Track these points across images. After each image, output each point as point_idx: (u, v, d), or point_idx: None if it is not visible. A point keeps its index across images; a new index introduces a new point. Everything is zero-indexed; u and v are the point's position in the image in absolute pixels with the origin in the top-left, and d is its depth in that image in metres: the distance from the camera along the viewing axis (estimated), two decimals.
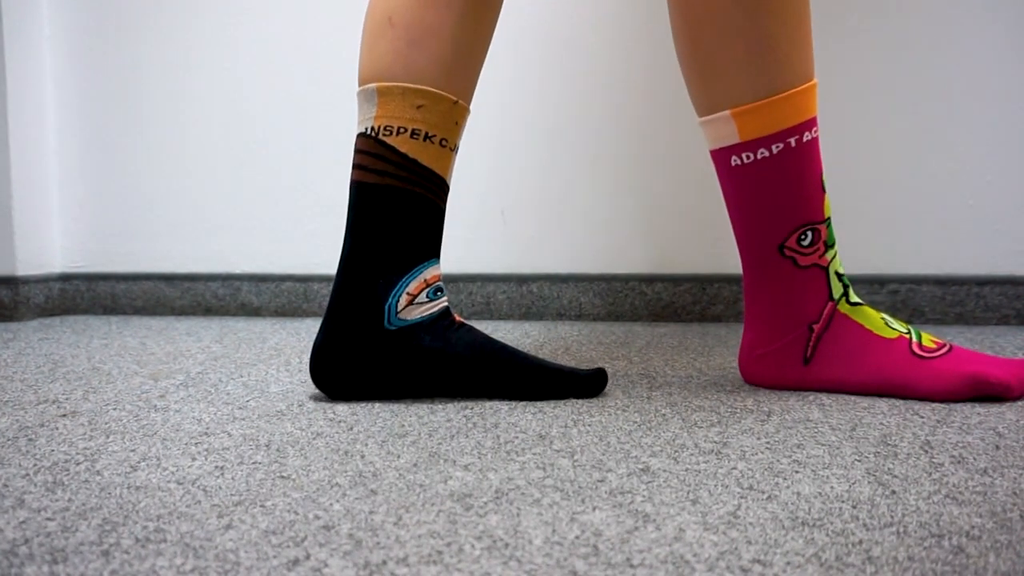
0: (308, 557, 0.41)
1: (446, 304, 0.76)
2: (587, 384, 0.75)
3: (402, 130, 0.72)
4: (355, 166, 0.75)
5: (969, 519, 0.45)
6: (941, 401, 0.72)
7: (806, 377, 0.77)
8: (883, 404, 0.72)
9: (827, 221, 0.76)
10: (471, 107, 0.78)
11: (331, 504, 0.49)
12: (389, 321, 0.73)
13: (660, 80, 1.28)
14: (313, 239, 1.39)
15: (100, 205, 1.45)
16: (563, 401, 0.74)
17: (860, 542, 0.42)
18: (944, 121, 1.23)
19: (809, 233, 0.75)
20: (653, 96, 1.28)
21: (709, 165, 1.30)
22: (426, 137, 0.73)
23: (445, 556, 0.41)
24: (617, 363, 0.93)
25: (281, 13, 1.37)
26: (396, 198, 0.73)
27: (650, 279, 1.30)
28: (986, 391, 0.71)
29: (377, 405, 0.73)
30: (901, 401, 0.73)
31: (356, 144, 0.75)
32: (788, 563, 0.40)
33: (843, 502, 0.48)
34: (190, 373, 0.89)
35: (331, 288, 0.76)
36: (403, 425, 0.67)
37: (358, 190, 0.74)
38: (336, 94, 1.36)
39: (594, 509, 0.47)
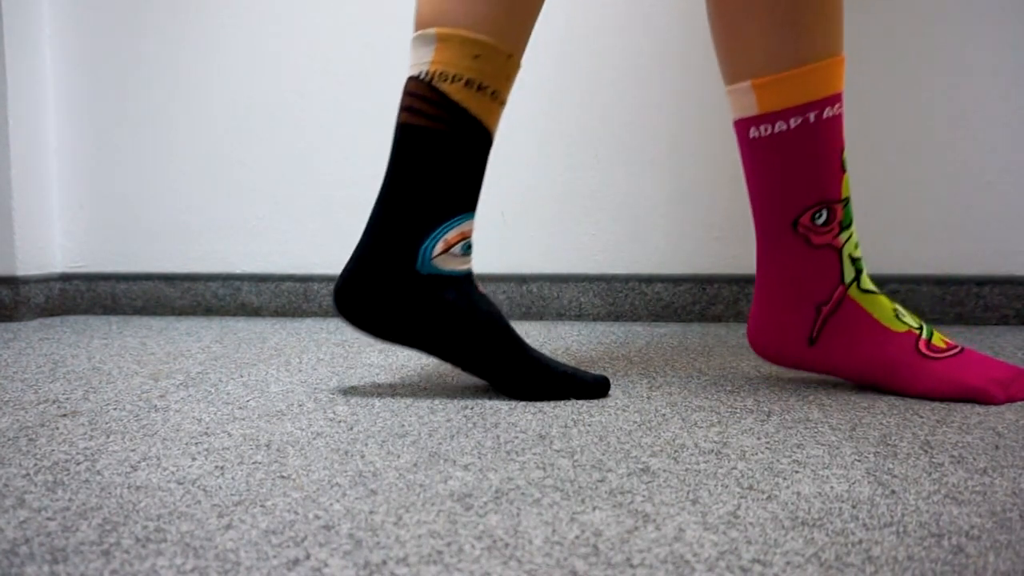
0: (308, 557, 0.41)
1: (471, 265, 0.76)
2: (590, 390, 0.75)
3: (457, 78, 0.72)
4: (404, 108, 0.74)
5: (969, 519, 0.45)
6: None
7: (808, 358, 0.76)
8: (883, 404, 0.72)
9: (844, 201, 0.74)
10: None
11: (331, 504, 0.49)
12: (422, 264, 0.74)
13: (661, 80, 1.28)
14: (313, 239, 1.39)
15: (100, 205, 1.45)
16: (563, 401, 0.74)
17: (860, 542, 0.43)
18: (944, 121, 1.23)
19: (824, 212, 0.73)
20: (654, 96, 1.28)
21: (709, 165, 1.31)
22: (479, 87, 0.72)
23: (445, 556, 0.41)
24: (617, 363, 0.93)
25: (281, 12, 1.37)
26: (444, 144, 0.73)
27: (650, 279, 1.30)
28: (978, 401, 0.72)
29: (377, 405, 0.74)
30: (901, 401, 0.73)
31: (407, 87, 0.74)
32: (788, 563, 0.40)
33: (843, 502, 0.48)
34: (190, 373, 0.89)
35: (369, 219, 0.76)
36: (403, 425, 0.67)
37: (405, 132, 0.74)
38: (336, 94, 1.36)
39: (594, 509, 0.47)
